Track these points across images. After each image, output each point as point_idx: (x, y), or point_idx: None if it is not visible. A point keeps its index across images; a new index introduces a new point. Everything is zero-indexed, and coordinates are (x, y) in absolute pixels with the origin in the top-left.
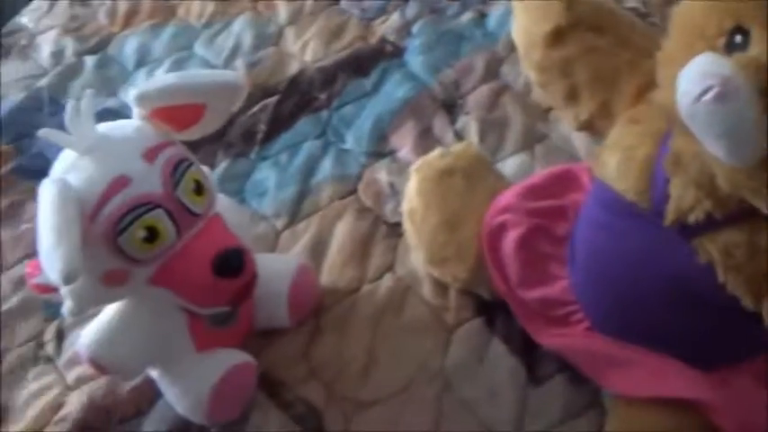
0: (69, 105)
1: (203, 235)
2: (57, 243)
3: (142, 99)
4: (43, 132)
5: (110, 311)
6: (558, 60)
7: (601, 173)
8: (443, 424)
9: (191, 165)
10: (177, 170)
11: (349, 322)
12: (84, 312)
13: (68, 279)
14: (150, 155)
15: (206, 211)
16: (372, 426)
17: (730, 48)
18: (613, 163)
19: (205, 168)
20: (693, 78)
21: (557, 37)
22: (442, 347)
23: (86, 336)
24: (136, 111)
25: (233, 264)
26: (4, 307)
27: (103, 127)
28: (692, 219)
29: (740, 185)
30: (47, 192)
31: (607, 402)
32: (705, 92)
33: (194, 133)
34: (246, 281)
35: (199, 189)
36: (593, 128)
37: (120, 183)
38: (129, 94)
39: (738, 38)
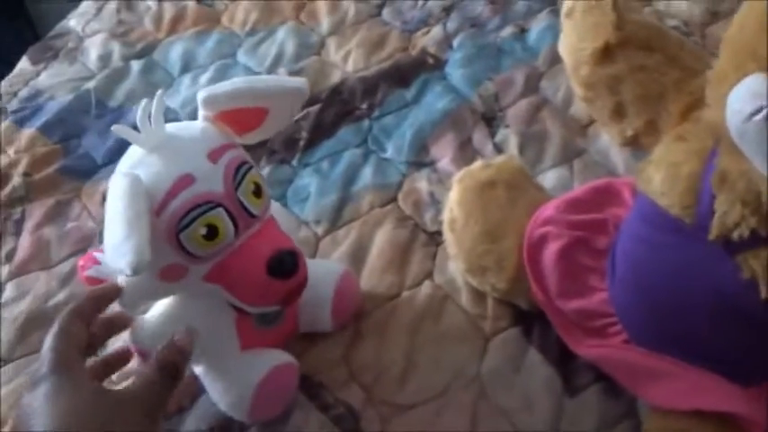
0: (141, 105)
1: (259, 236)
2: (128, 234)
3: (209, 101)
4: (116, 128)
5: (160, 306)
6: (605, 77)
7: (645, 188)
8: (479, 429)
9: (251, 167)
10: (239, 172)
11: (388, 327)
12: (137, 306)
13: (137, 270)
14: (214, 155)
15: (263, 213)
16: (408, 429)
17: None
18: (658, 178)
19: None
20: (744, 98)
21: (605, 54)
22: (478, 355)
23: (136, 328)
24: (201, 112)
25: (287, 265)
26: (51, 302)
27: (170, 127)
28: (736, 235)
29: None
30: (117, 184)
31: (642, 414)
32: (756, 112)
33: (255, 137)
34: (298, 282)
35: (258, 191)
36: (638, 144)
37: (186, 181)
38: (198, 96)
39: None
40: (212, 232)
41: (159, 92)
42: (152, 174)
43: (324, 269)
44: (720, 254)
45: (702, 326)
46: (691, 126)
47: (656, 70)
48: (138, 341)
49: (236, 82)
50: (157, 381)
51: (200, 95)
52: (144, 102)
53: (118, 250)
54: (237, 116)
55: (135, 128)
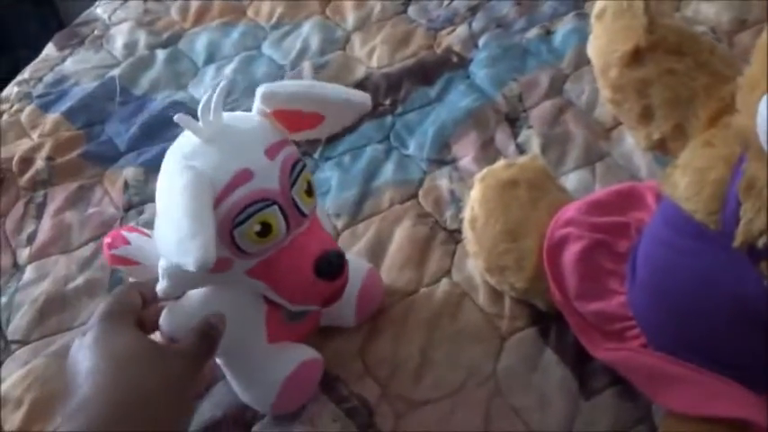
0: (205, 96)
1: (308, 234)
2: (195, 231)
3: (269, 97)
4: (178, 117)
5: (193, 294)
6: (634, 80)
7: (670, 192)
8: (492, 428)
9: (305, 165)
10: (294, 170)
11: (405, 323)
12: (176, 294)
13: (203, 268)
14: (272, 152)
15: (312, 212)
16: (422, 425)
17: None
18: (684, 183)
19: None
20: None
21: (635, 57)
22: (494, 354)
23: (166, 315)
24: (258, 106)
25: (334, 266)
26: (70, 285)
27: (227, 117)
28: (761, 243)
29: None
30: (179, 176)
31: (658, 418)
32: None
33: (304, 136)
34: (342, 284)
35: (309, 190)
36: (665, 148)
37: (244, 176)
38: (258, 90)
39: None
40: (266, 230)
41: (222, 83)
42: (210, 166)
43: (350, 265)
44: (744, 261)
45: (721, 332)
46: (719, 132)
47: (686, 75)
48: (169, 327)
49: (300, 83)
50: (196, 345)
51: (260, 90)
52: (207, 92)
53: (183, 246)
54: (292, 116)
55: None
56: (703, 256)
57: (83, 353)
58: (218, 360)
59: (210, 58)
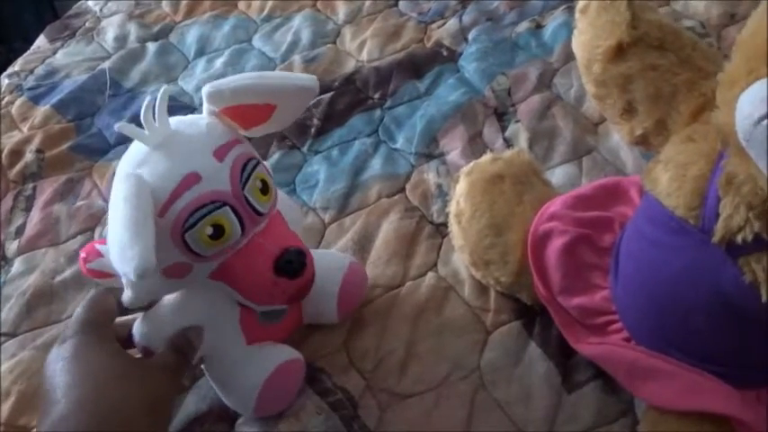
0: (145, 101)
1: (266, 234)
2: (133, 240)
3: (214, 96)
4: (120, 127)
5: (163, 302)
6: (617, 75)
7: (651, 188)
8: (475, 421)
9: (258, 164)
10: (245, 169)
11: (390, 317)
12: (142, 303)
13: (143, 276)
14: (220, 153)
15: (269, 210)
16: (406, 418)
17: None
18: (665, 179)
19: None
20: (754, 102)
21: (618, 52)
22: (479, 347)
23: (139, 324)
24: (206, 107)
25: (295, 264)
26: (58, 278)
27: (175, 122)
28: (739, 238)
29: None
30: (122, 186)
31: (640, 412)
32: (765, 116)
33: (262, 131)
34: (306, 281)
35: (264, 188)
36: (647, 143)
37: (191, 179)
38: (203, 90)
39: None
40: (218, 232)
41: (164, 87)
42: (157, 173)
43: (330, 261)
44: (723, 256)
45: (702, 327)
46: (700, 127)
47: (669, 70)
48: (143, 338)
49: (243, 77)
50: (172, 360)
51: (205, 90)
52: (147, 98)
53: (123, 255)
54: (243, 111)
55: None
56: (684, 251)
57: (61, 365)
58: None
59: (201, 51)
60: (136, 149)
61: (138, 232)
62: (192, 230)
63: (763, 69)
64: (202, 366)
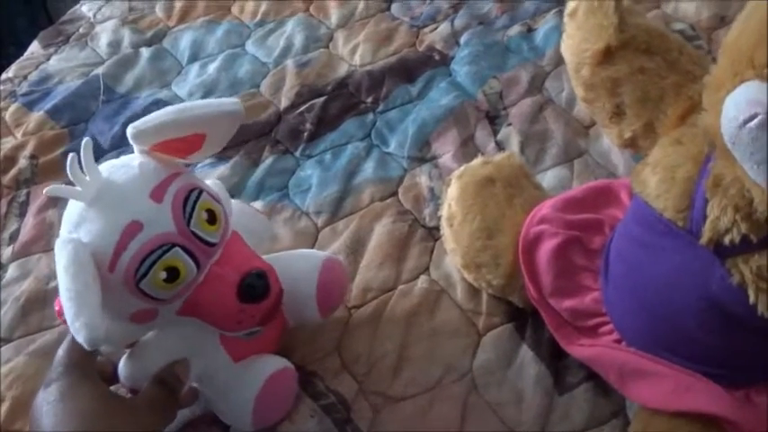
0: (70, 157)
1: (224, 262)
2: (78, 312)
3: (139, 136)
4: (49, 191)
5: (145, 340)
6: (605, 79)
7: (640, 190)
8: (468, 423)
9: (200, 193)
10: (187, 203)
11: (383, 320)
12: (119, 349)
13: (94, 345)
14: (157, 193)
15: (222, 239)
16: (399, 420)
17: None
18: (654, 181)
19: (212, 182)
20: (739, 105)
21: (606, 56)
22: (471, 350)
23: (123, 367)
24: (136, 147)
25: (258, 288)
26: (52, 284)
27: (106, 169)
28: (727, 240)
29: None
30: (62, 254)
31: (631, 413)
32: (750, 118)
33: (198, 158)
34: (273, 302)
35: (211, 218)
36: (636, 146)
37: (133, 229)
38: (127, 132)
39: None
40: (173, 274)
41: (86, 140)
42: (96, 231)
43: (304, 262)
44: (711, 258)
45: (691, 328)
46: (688, 130)
47: (656, 74)
48: (128, 378)
49: (164, 113)
50: (157, 395)
51: (129, 131)
52: (71, 154)
53: (72, 326)
54: (173, 144)
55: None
56: (673, 253)
57: (47, 409)
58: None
59: (194, 56)
60: (73, 208)
61: (81, 304)
62: (145, 279)
63: (748, 72)
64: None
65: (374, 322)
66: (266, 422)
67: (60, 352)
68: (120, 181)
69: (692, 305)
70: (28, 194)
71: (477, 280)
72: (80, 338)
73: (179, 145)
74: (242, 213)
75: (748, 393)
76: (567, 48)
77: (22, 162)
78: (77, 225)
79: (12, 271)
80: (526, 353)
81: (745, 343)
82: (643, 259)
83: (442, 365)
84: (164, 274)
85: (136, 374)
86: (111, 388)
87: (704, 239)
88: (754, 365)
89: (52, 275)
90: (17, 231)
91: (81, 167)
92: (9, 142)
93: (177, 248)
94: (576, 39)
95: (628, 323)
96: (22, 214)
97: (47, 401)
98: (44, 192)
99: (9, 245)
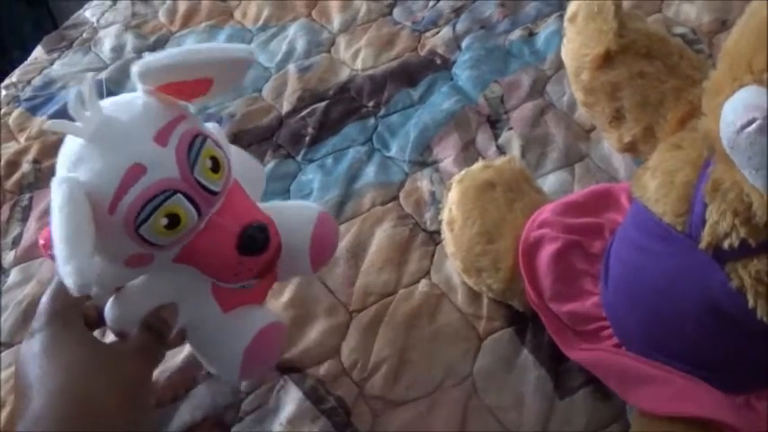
0: (73, 92)
1: (224, 211)
2: (69, 256)
3: (146, 75)
4: (49, 124)
5: (134, 284)
6: (605, 83)
7: (640, 194)
8: (468, 427)
9: (204, 140)
10: (192, 149)
11: (383, 324)
12: (109, 293)
13: (82, 291)
14: (162, 137)
15: (224, 187)
16: (399, 425)
17: None
18: (653, 186)
19: (212, 125)
20: (738, 109)
21: (606, 60)
22: (472, 354)
23: (110, 309)
24: (140, 86)
25: (258, 241)
26: None
27: (108, 105)
28: (726, 244)
29: None
30: (57, 193)
31: (631, 418)
32: (748, 123)
33: (203, 101)
34: (271, 256)
35: (215, 166)
36: (636, 150)
37: (135, 172)
38: (132, 69)
39: None
40: (174, 221)
41: (90, 74)
42: (96, 170)
43: (299, 214)
44: (711, 263)
45: (691, 333)
46: (687, 134)
47: (656, 78)
48: (115, 321)
49: (172, 53)
50: (146, 341)
51: (135, 68)
52: (76, 88)
53: (62, 269)
54: (180, 87)
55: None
56: (672, 258)
57: (32, 360)
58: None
59: None
60: (71, 146)
61: (73, 247)
62: (145, 224)
63: (746, 77)
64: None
65: (375, 326)
66: (253, 375)
67: (43, 299)
68: (122, 119)
69: (691, 309)
70: (31, 199)
71: (478, 284)
72: (69, 283)
73: (185, 87)
74: (240, 160)
75: (749, 399)
76: (567, 52)
77: (25, 167)
78: (75, 163)
79: (14, 275)
80: (526, 357)
81: (745, 348)
82: (642, 263)
83: (443, 369)
84: (164, 221)
85: (123, 317)
86: (97, 332)
87: (703, 244)
88: (753, 370)
89: None
90: (20, 236)
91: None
92: (12, 147)
93: (179, 195)
94: (575, 43)
95: (627, 328)
96: (25, 219)
97: (31, 353)
98: (43, 126)
99: (11, 249)
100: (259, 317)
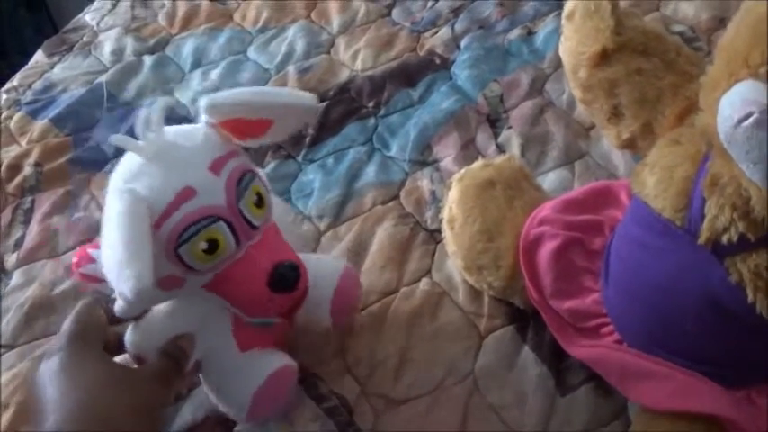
0: (141, 111)
1: (260, 247)
2: (130, 259)
3: (213, 109)
4: (115, 139)
5: (155, 310)
6: (603, 80)
7: (639, 190)
8: (470, 425)
9: (254, 176)
10: (241, 183)
11: (385, 322)
12: (135, 313)
13: (139, 296)
14: (216, 166)
15: (264, 223)
16: (401, 423)
17: None
18: (652, 182)
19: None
20: (735, 104)
21: (603, 58)
22: (473, 352)
23: (130, 333)
24: (204, 117)
25: (289, 279)
26: (57, 290)
27: (171, 133)
28: (725, 239)
29: None
30: (117, 202)
31: (632, 414)
32: (745, 117)
33: (255, 143)
34: (299, 295)
35: (260, 202)
36: (635, 147)
37: (187, 194)
38: (201, 102)
39: None
40: (213, 246)
41: (161, 99)
42: (152, 186)
43: (324, 266)
44: (710, 257)
45: (691, 328)
46: (685, 130)
47: (653, 74)
48: (134, 346)
49: (243, 92)
50: (164, 368)
51: (204, 102)
52: (142, 110)
53: (119, 274)
54: (240, 124)
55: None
56: (672, 253)
57: (50, 378)
58: None
59: (197, 63)
60: (129, 162)
61: (136, 252)
62: (185, 245)
63: (742, 71)
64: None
65: (376, 325)
66: (261, 416)
67: (67, 321)
68: (183, 145)
69: (691, 305)
70: (33, 202)
71: (479, 282)
72: (126, 287)
73: (244, 126)
74: (281, 210)
75: (749, 394)
76: (565, 50)
77: (27, 170)
78: (135, 177)
79: (16, 278)
80: (528, 354)
81: (745, 342)
82: (642, 260)
83: (444, 368)
84: (204, 245)
85: (143, 343)
86: (117, 359)
87: (702, 239)
88: (754, 365)
89: (57, 281)
90: (22, 238)
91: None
92: (14, 150)
93: (222, 222)
94: (573, 41)
95: (628, 324)
96: (27, 221)
97: (49, 371)
98: (110, 140)
99: (14, 252)
100: (272, 359)
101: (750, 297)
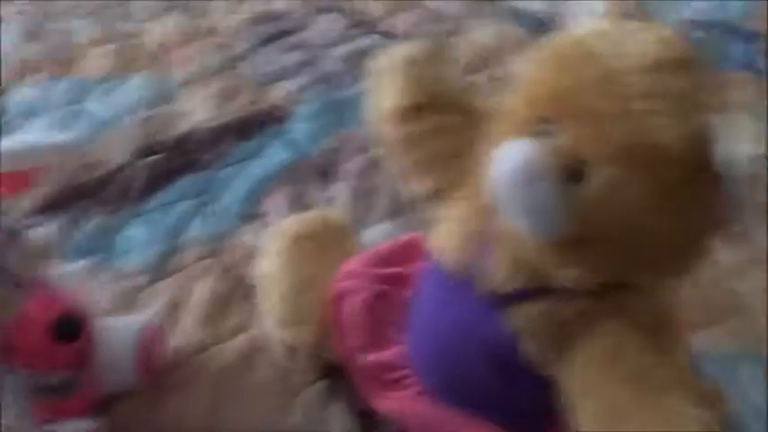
0: None
1: (37, 301)
2: None
3: None
4: None
5: None
6: (403, 136)
7: (432, 243)
8: None
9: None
10: None
11: (193, 383)
12: None
13: None
14: None
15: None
16: None
17: (538, 134)
18: (440, 235)
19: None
20: (500, 159)
21: (404, 114)
22: (286, 409)
23: None
24: None
25: (70, 327)
26: None
27: None
28: (505, 290)
29: (545, 260)
30: None
31: None
32: (505, 173)
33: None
34: (85, 344)
35: None
36: (441, 200)
37: None
38: None
39: (545, 126)
40: None
41: None
42: None
43: (123, 326)
44: (490, 309)
45: (483, 378)
46: (478, 183)
47: (452, 131)
48: None
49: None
50: None
51: None
52: None
53: None
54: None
55: None
56: (458, 305)
57: None
58: None
59: (32, 113)
60: None
61: None
62: None
63: (512, 129)
64: None
65: (185, 385)
66: None
67: None
68: None
69: (478, 356)
70: None
71: (292, 337)
72: None
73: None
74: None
75: None
76: (369, 107)
77: None
78: None
79: None
80: (338, 409)
81: (530, 392)
82: (435, 312)
83: (255, 428)
84: None
85: None
86: None
87: (480, 290)
88: (540, 414)
89: None
90: None
91: None
92: None
93: None
94: (377, 97)
95: (427, 375)
96: None
97: None
98: None
99: None
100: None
101: (523, 345)
